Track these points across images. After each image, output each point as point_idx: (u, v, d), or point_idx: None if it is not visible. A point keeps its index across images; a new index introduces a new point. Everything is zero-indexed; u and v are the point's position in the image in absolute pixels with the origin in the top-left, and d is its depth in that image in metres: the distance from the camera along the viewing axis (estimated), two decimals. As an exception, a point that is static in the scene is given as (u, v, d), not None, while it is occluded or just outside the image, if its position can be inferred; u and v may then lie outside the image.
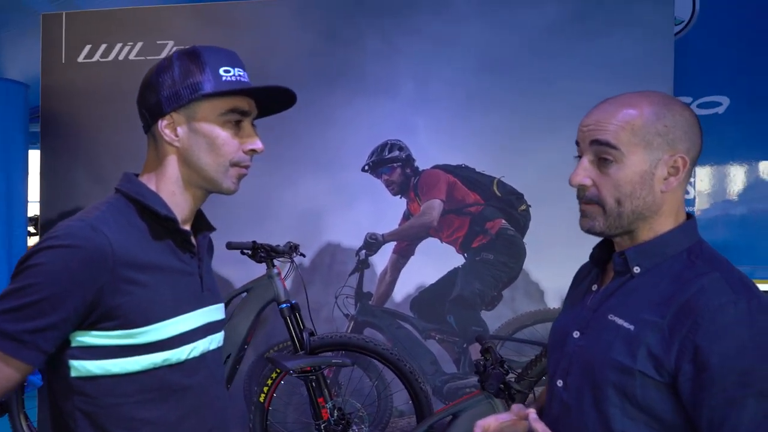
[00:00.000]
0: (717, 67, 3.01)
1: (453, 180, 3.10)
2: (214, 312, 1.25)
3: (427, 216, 3.12)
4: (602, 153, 1.08)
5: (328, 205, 3.17)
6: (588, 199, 1.12)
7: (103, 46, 3.27)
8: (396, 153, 3.13)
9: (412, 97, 3.12)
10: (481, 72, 3.07)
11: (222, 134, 1.15)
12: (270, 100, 1.21)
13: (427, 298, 3.13)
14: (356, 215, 3.16)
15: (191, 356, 1.15)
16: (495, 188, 3.08)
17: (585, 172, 1.11)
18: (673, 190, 1.09)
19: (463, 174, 3.10)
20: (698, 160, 1.12)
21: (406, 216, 3.15)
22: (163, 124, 1.15)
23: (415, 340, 3.13)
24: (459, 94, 3.09)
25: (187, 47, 1.16)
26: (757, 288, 1.02)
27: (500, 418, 1.26)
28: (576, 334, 1.17)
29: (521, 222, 3.06)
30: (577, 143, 1.15)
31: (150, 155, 1.20)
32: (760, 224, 3.30)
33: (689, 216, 1.14)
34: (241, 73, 1.17)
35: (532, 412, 1.18)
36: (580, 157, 1.14)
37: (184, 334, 1.14)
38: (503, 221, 3.07)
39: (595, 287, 1.20)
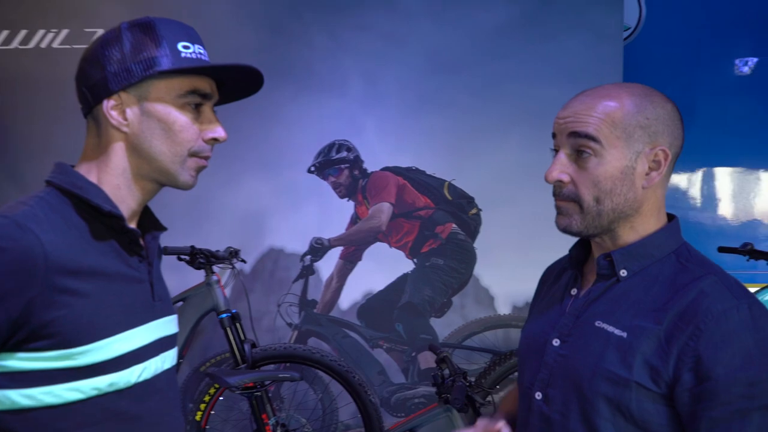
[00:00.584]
0: (663, 72, 3.06)
1: (403, 182, 3.00)
2: (167, 325, 1.07)
3: (376, 220, 3.00)
4: (581, 146, 1.00)
5: (272, 208, 3.00)
6: (565, 196, 1.03)
7: (23, 33, 2.98)
8: (344, 154, 3.00)
9: (361, 96, 3.00)
10: (431, 72, 2.99)
11: (180, 119, 0.98)
12: (233, 84, 1.06)
13: (374, 306, 3.01)
14: (301, 218, 3.00)
15: (142, 379, 0.98)
16: (446, 191, 2.99)
17: (562, 167, 1.02)
18: (655, 186, 1.02)
19: (414, 176, 3.00)
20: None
21: (354, 220, 3.02)
22: (108, 105, 0.97)
23: (362, 349, 3.00)
24: (409, 94, 3.00)
25: (138, 18, 0.99)
26: (751, 292, 0.97)
27: None
28: (556, 342, 1.07)
29: (472, 226, 2.99)
30: (554, 135, 1.05)
31: (89, 143, 1.01)
32: (697, 231, 3.38)
33: (671, 216, 1.07)
34: (202, 51, 1.01)
35: (504, 428, 1.07)
36: (556, 150, 1.05)
37: (133, 353, 0.96)
38: (454, 225, 3.00)
39: (574, 291, 1.10)
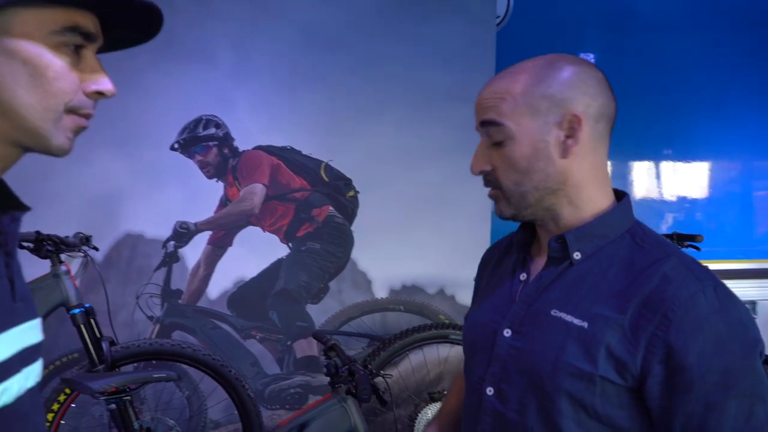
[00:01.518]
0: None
1: (277, 163, 2.83)
2: (30, 332, 0.82)
3: (248, 202, 2.80)
4: (491, 133, 0.97)
5: (129, 189, 2.67)
6: (489, 185, 1.02)
7: None
8: (212, 130, 2.75)
9: (231, 68, 2.76)
10: (307, 47, 2.83)
11: (55, 63, 0.73)
12: (122, 25, 0.81)
13: (246, 294, 2.82)
14: (163, 201, 2.71)
15: (1, 404, 0.75)
16: (322, 173, 2.87)
17: (482, 157, 1.00)
18: (578, 155, 0.96)
19: (289, 157, 2.84)
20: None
21: (223, 202, 2.80)
22: None
23: (234, 340, 2.80)
24: (283, 70, 2.82)
25: None
26: (712, 271, 0.96)
27: None
28: (507, 333, 1.01)
29: (349, 209, 2.91)
30: (477, 128, 1.03)
31: None
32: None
33: (621, 193, 1.04)
34: None
35: None
36: None
37: None
38: (331, 208, 2.89)
39: (523, 276, 1.05)
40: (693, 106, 3.62)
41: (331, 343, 2.15)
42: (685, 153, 3.67)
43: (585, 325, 0.93)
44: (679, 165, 3.67)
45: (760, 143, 3.79)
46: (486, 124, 0.98)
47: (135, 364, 2.51)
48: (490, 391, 1.02)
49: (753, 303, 3.76)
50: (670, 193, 3.66)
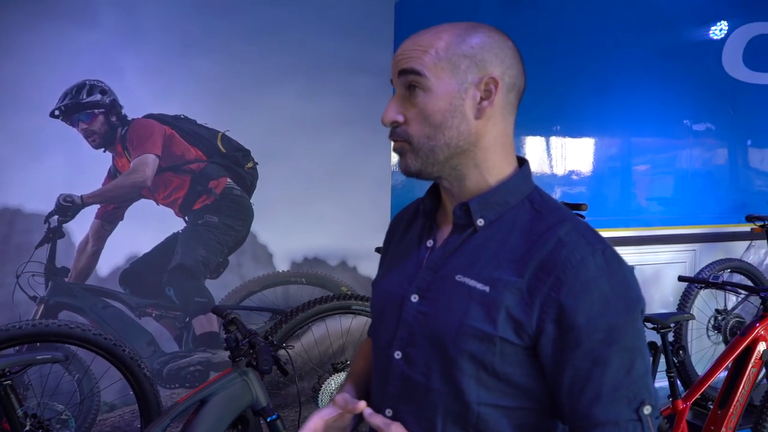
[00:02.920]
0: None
1: (170, 132, 2.70)
2: None
3: (139, 173, 2.66)
4: (410, 82, 0.98)
5: (3, 159, 2.46)
6: (397, 136, 1.00)
7: None
8: (97, 97, 2.58)
9: (117, 30, 2.59)
10: (198, 10, 2.71)
11: None
12: None
13: (140, 270, 2.69)
14: (44, 172, 2.52)
15: None
16: (219, 143, 2.77)
17: (396, 107, 1.00)
18: (490, 117, 0.99)
19: (183, 126, 2.72)
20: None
21: (113, 174, 2.64)
22: None
23: (128, 319, 2.67)
24: (174, 34, 2.68)
25: None
26: (601, 235, 1.02)
27: (325, 416, 1.07)
28: (414, 298, 1.02)
29: (248, 181, 2.83)
30: (392, 81, 1.03)
31: None
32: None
33: (521, 160, 1.07)
34: None
35: (366, 408, 1.01)
36: None
37: None
38: (229, 180, 2.80)
39: (430, 243, 1.06)
40: (578, 84, 3.81)
41: (231, 317, 2.10)
42: (572, 129, 3.87)
43: (487, 289, 0.95)
44: (567, 140, 3.86)
45: (639, 122, 4.06)
46: (406, 73, 0.97)
47: (16, 348, 2.34)
48: (398, 355, 1.02)
49: (632, 268, 4.05)
50: (558, 167, 3.85)
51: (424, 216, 1.09)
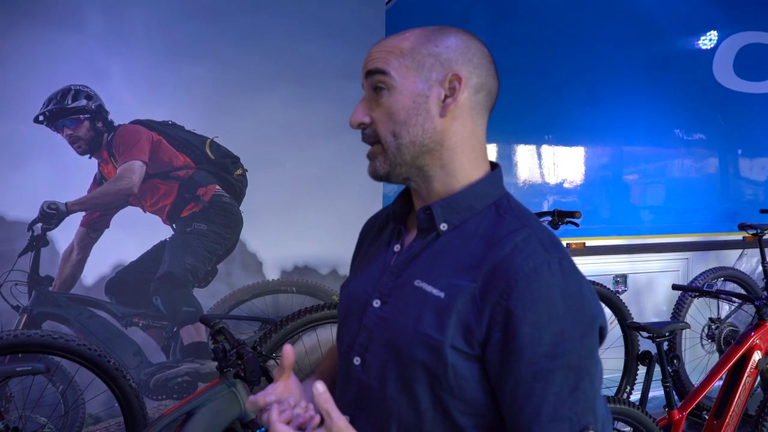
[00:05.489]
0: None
1: (158, 138, 2.65)
2: None
3: (126, 180, 2.61)
4: (376, 83, 0.98)
5: (-14, 165, 2.41)
6: (367, 138, 1.01)
7: None
8: (83, 102, 2.53)
9: (103, 34, 2.55)
10: (186, 15, 2.67)
11: None
12: None
13: (127, 279, 2.63)
14: (28, 178, 2.46)
15: None
16: (208, 150, 2.73)
17: (363, 110, 1.00)
18: (456, 116, 0.97)
19: (170, 132, 2.67)
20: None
21: (98, 180, 2.59)
22: None
23: (114, 329, 2.61)
24: (162, 39, 2.64)
25: None
26: (563, 245, 0.97)
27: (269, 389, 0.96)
28: (376, 303, 0.99)
29: (237, 188, 2.79)
30: (363, 86, 1.03)
31: None
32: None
33: (494, 165, 1.05)
34: None
35: (318, 387, 0.84)
36: None
37: None
38: (218, 187, 2.75)
39: (397, 247, 1.03)
40: (568, 93, 3.80)
41: (218, 327, 2.06)
42: (563, 138, 3.85)
43: (442, 295, 0.92)
44: (559, 149, 3.85)
45: (631, 131, 4.05)
46: (372, 74, 0.98)
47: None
48: (356, 360, 1.00)
49: (624, 276, 4.03)
50: (550, 176, 3.83)
51: (394, 220, 1.07)
